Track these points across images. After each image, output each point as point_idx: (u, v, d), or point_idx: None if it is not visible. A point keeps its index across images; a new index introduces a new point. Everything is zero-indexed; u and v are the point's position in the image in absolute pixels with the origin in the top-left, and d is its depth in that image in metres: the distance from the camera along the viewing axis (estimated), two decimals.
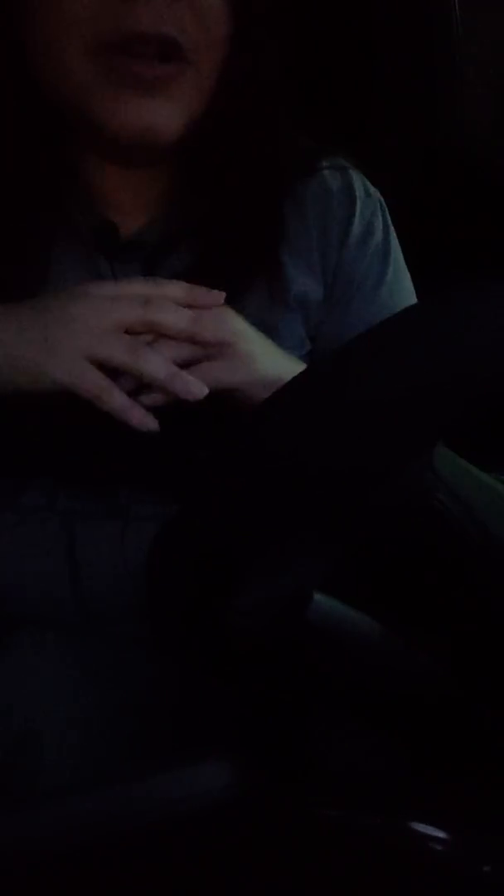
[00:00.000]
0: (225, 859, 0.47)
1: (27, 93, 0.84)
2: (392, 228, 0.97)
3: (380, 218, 0.95)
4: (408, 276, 0.97)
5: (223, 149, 0.87)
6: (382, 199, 0.97)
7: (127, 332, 0.78)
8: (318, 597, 0.48)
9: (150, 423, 0.78)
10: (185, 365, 0.80)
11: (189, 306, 0.80)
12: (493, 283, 0.55)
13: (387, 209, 0.97)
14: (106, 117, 0.81)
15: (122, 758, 0.79)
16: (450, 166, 1.17)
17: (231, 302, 0.86)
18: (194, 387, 0.78)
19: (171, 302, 0.79)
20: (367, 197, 0.95)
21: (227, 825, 0.49)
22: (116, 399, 0.77)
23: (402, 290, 0.96)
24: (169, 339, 0.79)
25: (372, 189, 0.96)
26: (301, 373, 0.58)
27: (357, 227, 0.93)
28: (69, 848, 0.47)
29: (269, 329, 0.88)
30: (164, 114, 0.82)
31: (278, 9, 0.88)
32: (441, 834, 0.48)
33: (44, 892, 0.46)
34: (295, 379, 0.57)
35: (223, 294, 0.81)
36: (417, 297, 0.98)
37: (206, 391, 0.79)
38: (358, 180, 0.95)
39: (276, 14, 0.87)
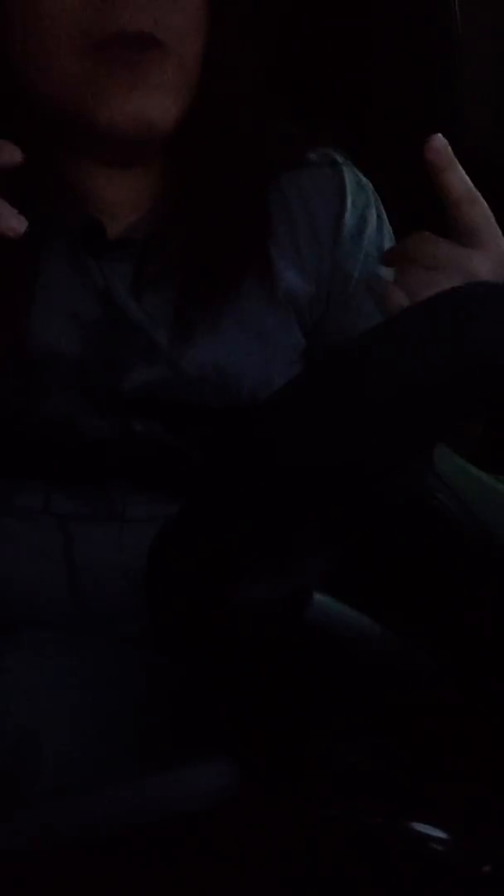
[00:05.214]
0: (225, 859, 0.47)
1: (13, 95, 0.85)
2: (385, 218, 0.95)
3: (373, 209, 0.94)
4: None
5: (210, 143, 0.87)
6: (373, 190, 0.95)
7: None
8: (318, 597, 0.48)
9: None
10: None
11: None
12: (492, 283, 0.55)
13: (379, 199, 0.94)
14: (97, 111, 0.82)
15: (122, 758, 0.79)
16: None
17: (223, 302, 0.86)
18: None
19: None
20: (358, 189, 0.93)
21: (227, 825, 0.49)
22: None
23: None
24: None
25: (363, 180, 0.94)
26: (302, 372, 0.58)
27: (349, 221, 0.92)
28: (69, 848, 0.47)
29: (261, 329, 0.88)
30: (156, 104, 0.82)
31: (271, 8, 0.89)
32: (441, 834, 0.48)
33: (44, 892, 0.46)
34: (296, 378, 0.57)
35: None
36: None
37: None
38: (349, 173, 0.94)
39: (265, 11, 0.88)
